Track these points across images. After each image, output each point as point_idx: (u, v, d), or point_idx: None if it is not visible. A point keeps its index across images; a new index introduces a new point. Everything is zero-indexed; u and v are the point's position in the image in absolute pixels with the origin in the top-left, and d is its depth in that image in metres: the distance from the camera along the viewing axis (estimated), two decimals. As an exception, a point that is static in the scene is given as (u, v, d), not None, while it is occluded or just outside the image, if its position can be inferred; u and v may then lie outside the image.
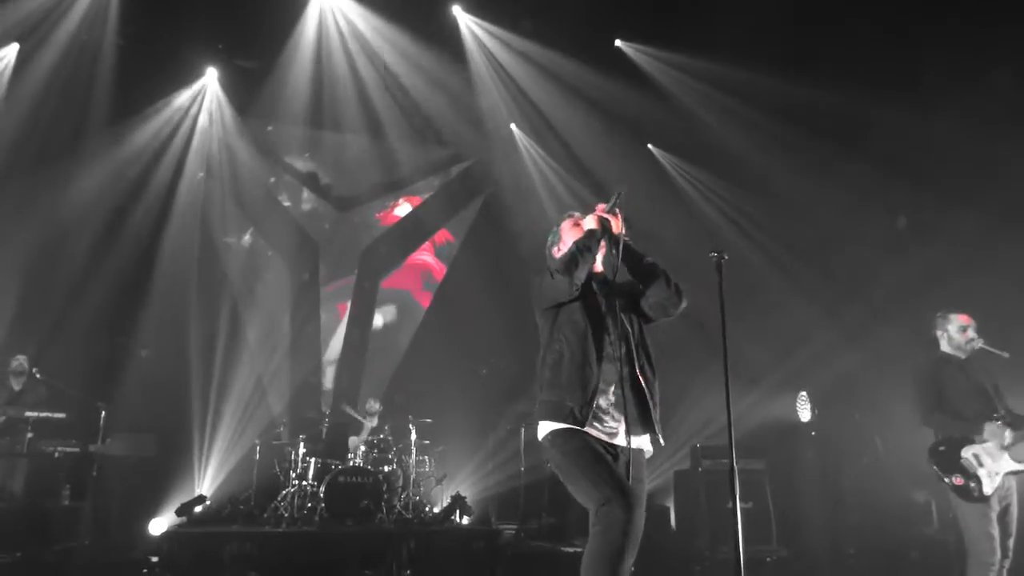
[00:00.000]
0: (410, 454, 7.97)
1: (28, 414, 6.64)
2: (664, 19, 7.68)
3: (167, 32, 7.90)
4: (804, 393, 7.63)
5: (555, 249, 3.25)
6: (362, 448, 7.74)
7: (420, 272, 10.76)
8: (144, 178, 8.68)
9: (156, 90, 8.60)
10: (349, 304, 10.17)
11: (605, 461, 2.76)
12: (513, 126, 9.72)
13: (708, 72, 8.03)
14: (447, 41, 8.36)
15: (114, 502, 7.21)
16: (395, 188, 10.57)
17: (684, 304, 3.11)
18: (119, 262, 8.30)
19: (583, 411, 2.79)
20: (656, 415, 2.96)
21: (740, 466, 3.57)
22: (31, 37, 7.62)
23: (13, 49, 7.79)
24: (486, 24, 8.28)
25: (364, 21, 8.23)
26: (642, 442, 2.97)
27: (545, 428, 2.90)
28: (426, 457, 8.29)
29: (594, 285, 3.09)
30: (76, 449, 6.84)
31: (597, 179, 9.42)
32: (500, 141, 9.79)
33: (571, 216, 3.28)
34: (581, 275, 2.90)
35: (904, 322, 6.56)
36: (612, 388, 2.91)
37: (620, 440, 2.87)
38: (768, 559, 6.70)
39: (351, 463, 7.47)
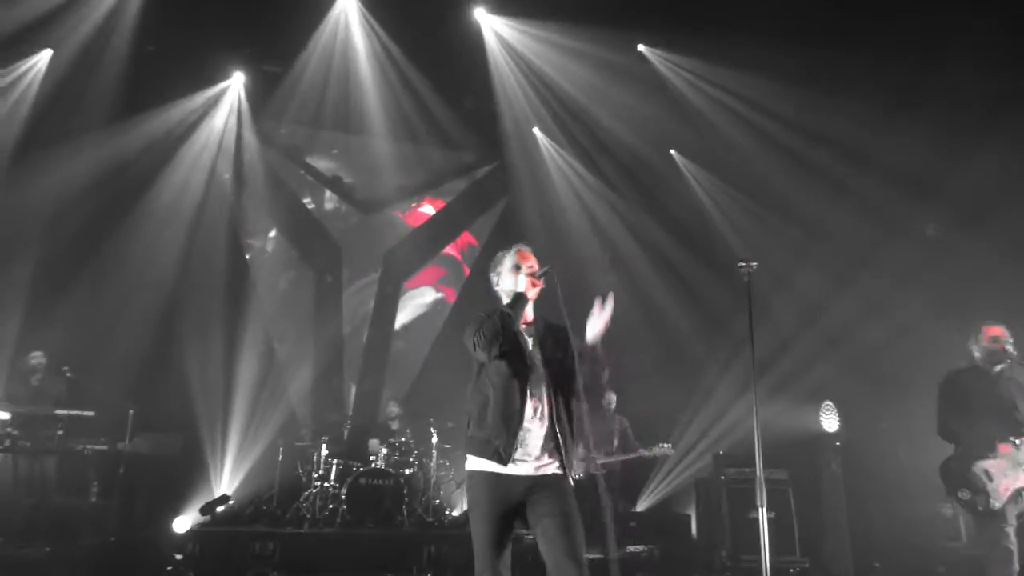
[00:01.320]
0: (431, 457, 7.99)
1: (58, 412, 6.73)
2: (688, 26, 7.63)
3: (195, 35, 7.99)
4: (830, 402, 7.51)
5: (494, 276, 3.41)
6: (384, 451, 7.78)
7: (446, 267, 10.76)
8: (168, 178, 8.78)
9: (181, 91, 8.69)
10: (372, 305, 10.22)
11: (497, 530, 2.98)
12: (536, 129, 9.72)
13: (728, 80, 8.03)
14: (470, 44, 8.38)
15: (140, 500, 7.32)
16: (418, 191, 10.62)
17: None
18: (140, 260, 8.40)
19: (506, 451, 3.04)
20: (570, 454, 3.13)
21: (763, 475, 3.53)
22: (55, 32, 7.52)
23: (46, 55, 7.77)
24: (510, 22, 8.26)
25: (386, 24, 8.28)
26: (556, 469, 3.10)
27: (471, 464, 3.14)
28: (446, 460, 8.31)
29: (521, 332, 3.23)
30: (105, 447, 6.94)
31: (617, 183, 9.40)
32: (523, 144, 9.80)
33: (519, 251, 3.36)
34: (496, 350, 3.11)
35: (935, 331, 6.45)
36: (533, 427, 3.10)
37: (526, 471, 3.05)
38: (791, 570, 6.62)
39: (372, 465, 7.51)
